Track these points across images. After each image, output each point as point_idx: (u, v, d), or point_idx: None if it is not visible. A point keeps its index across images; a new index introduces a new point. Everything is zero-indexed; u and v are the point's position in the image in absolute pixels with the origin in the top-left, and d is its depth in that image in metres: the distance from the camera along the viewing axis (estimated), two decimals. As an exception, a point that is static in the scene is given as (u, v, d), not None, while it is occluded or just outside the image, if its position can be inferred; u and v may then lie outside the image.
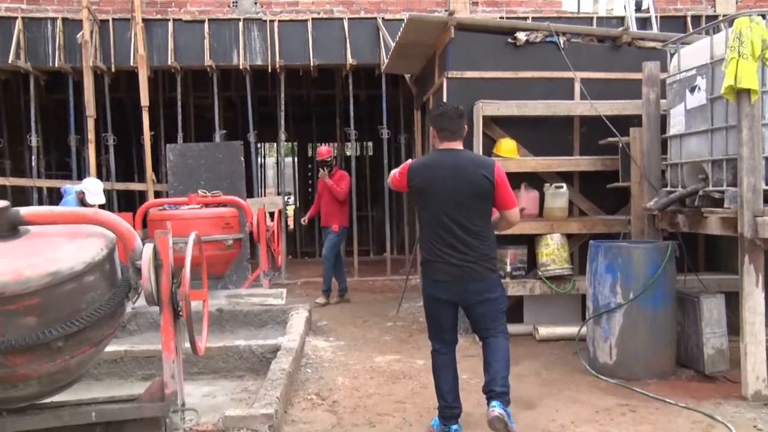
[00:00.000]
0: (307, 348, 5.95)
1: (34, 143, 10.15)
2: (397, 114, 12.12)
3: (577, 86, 6.36)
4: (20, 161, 11.28)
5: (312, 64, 10.17)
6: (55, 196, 10.67)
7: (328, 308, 8.10)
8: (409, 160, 4.18)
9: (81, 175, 10.56)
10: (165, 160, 10.35)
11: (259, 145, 18.77)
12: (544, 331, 6.07)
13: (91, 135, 9.88)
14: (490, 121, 6.30)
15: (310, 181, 16.32)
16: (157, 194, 10.09)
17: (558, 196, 6.14)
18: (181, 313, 3.39)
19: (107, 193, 11.13)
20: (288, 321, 6.49)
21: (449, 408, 3.85)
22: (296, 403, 4.50)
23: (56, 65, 9.90)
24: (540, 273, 6.09)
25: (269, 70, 10.30)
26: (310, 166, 17.31)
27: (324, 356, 5.76)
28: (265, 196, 17.16)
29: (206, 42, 9.97)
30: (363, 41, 10.13)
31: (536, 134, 6.40)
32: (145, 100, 9.91)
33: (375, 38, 10.11)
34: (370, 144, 16.29)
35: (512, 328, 6.31)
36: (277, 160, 18.38)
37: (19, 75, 10.52)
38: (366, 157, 15.18)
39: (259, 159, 18.88)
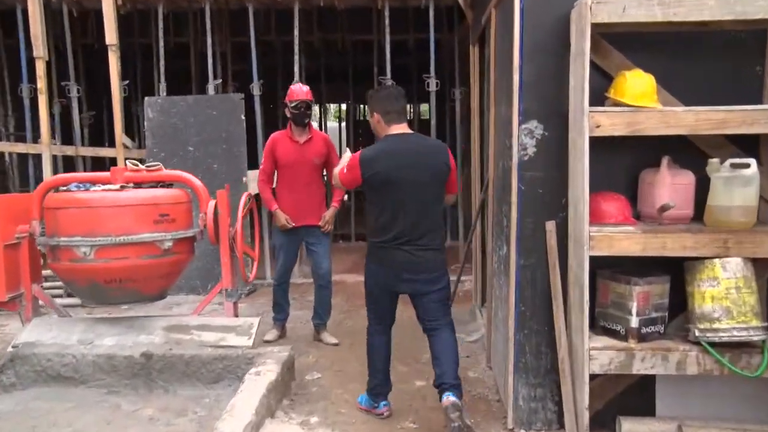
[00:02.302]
0: (256, 453, 3.26)
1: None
2: (451, 63, 9.20)
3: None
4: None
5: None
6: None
7: (334, 347, 5.32)
8: (349, 153, 3.85)
9: (36, 136, 8.12)
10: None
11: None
12: (702, 443, 3.14)
13: (40, 83, 7.38)
14: (602, 39, 3.35)
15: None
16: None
17: (738, 184, 3.11)
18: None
19: (71, 159, 8.71)
20: (241, 384, 3.84)
21: (381, 386, 3.86)
22: None
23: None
24: (698, 333, 3.12)
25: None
26: (360, 131, 14.59)
27: (277, 479, 3.06)
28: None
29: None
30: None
31: (688, 66, 3.41)
32: (111, 36, 7.28)
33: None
34: (426, 107, 13.38)
35: (632, 425, 3.47)
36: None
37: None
38: (414, 122, 12.27)
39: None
